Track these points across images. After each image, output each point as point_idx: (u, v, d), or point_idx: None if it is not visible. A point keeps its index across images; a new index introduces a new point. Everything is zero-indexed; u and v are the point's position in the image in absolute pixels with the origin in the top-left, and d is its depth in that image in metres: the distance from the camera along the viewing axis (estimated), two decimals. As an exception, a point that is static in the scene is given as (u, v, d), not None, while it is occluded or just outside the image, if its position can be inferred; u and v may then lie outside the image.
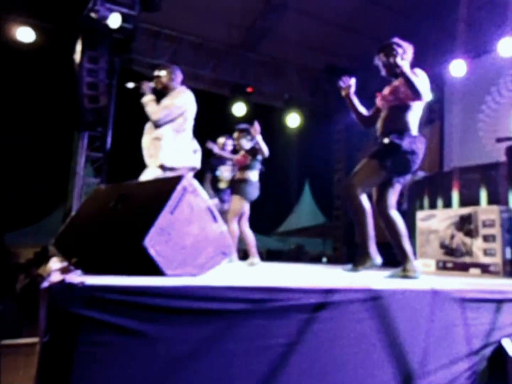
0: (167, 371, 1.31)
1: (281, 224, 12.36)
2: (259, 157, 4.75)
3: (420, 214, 4.96)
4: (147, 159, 3.65)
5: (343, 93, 3.13)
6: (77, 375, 1.20)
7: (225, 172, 5.26)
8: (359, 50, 8.44)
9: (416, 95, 2.69)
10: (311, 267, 4.77)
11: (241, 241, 4.83)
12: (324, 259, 9.43)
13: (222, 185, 5.20)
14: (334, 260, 8.94)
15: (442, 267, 4.54)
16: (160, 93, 3.68)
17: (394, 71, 2.81)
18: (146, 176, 3.55)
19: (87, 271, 1.96)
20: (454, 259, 4.43)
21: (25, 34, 7.48)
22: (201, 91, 8.82)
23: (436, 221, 4.67)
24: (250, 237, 4.73)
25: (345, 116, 8.94)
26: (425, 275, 3.42)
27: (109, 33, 7.10)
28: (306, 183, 13.09)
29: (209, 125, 7.94)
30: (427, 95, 2.76)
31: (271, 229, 11.62)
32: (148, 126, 3.68)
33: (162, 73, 3.64)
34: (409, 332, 1.81)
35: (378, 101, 3.03)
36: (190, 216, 2.34)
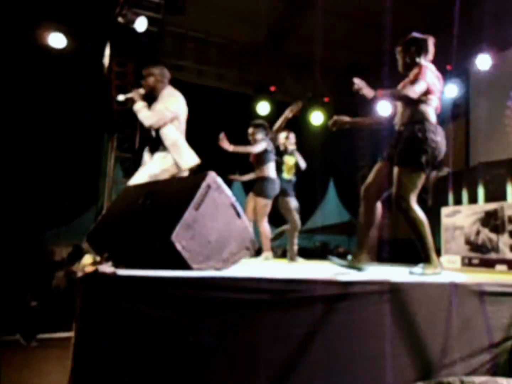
0: (190, 357, 1.40)
1: (306, 221, 12.37)
2: (270, 148, 4.79)
3: (445, 210, 4.93)
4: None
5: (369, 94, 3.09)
6: (106, 360, 1.31)
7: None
8: (384, 46, 8.38)
9: (407, 100, 2.73)
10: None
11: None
12: (350, 257, 9.37)
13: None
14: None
15: (468, 263, 4.51)
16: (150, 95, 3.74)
17: (409, 67, 2.85)
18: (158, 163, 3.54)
19: (118, 265, 2.08)
20: (480, 255, 4.39)
21: (57, 40, 7.74)
22: (226, 91, 8.96)
23: (462, 217, 4.64)
24: (267, 232, 4.77)
25: (369, 113, 8.90)
26: (449, 271, 3.43)
27: (136, 37, 7.29)
28: (331, 181, 13.06)
29: (233, 124, 8.05)
30: (419, 93, 2.75)
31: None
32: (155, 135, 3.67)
33: (149, 75, 3.69)
34: (428, 324, 1.86)
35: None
36: (215, 212, 2.43)
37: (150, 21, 7.00)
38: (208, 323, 1.46)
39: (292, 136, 5.41)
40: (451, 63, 6.89)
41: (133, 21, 6.82)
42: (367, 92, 2.76)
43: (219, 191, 2.51)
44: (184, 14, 7.15)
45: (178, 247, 2.22)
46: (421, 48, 2.95)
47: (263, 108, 8.55)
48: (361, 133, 9.82)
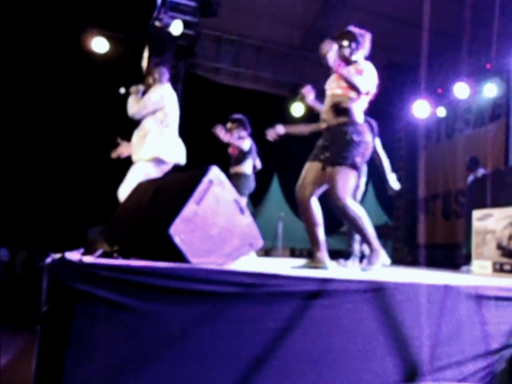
0: (157, 346, 1.44)
1: (342, 224, 12.15)
2: (248, 148, 4.80)
3: (476, 213, 4.71)
4: (134, 156, 3.81)
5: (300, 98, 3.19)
6: (72, 345, 1.36)
7: None
8: (421, 44, 8.14)
9: (356, 91, 2.68)
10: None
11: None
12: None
13: None
14: (393, 261, 8.65)
15: (499, 269, 4.28)
16: None
17: (346, 62, 2.83)
18: (134, 172, 3.69)
19: (126, 257, 2.16)
20: None
21: (100, 45, 8.08)
22: (261, 93, 9.00)
23: (493, 220, 4.41)
24: None
25: (406, 114, 8.67)
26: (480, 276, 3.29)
27: (173, 40, 7.50)
28: (369, 183, 12.76)
29: (268, 126, 8.09)
30: (367, 88, 2.79)
31: (333, 229, 11.48)
32: (139, 127, 3.88)
33: (150, 75, 4.00)
34: (415, 326, 1.80)
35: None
36: (217, 207, 2.46)
37: (186, 24, 7.18)
38: (175, 313, 1.49)
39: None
40: (491, 62, 6.59)
41: (169, 25, 7.02)
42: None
43: (222, 186, 2.53)
44: (219, 16, 7.26)
45: (177, 240, 2.26)
46: (359, 44, 2.90)
47: (298, 109, 8.53)
48: (397, 134, 9.57)
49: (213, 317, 1.51)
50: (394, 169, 9.53)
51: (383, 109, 9.14)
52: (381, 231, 10.30)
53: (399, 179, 9.46)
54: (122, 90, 3.91)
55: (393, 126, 9.47)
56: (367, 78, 2.78)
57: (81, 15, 7.83)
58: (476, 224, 4.63)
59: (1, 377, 2.69)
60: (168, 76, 4.06)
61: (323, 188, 2.88)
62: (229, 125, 5.10)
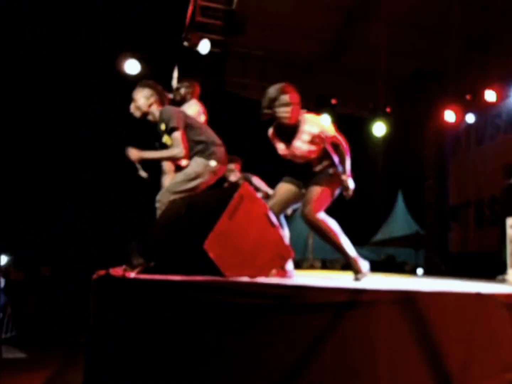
0: (194, 357, 1.52)
1: (374, 234, 12.09)
2: None
3: (510, 221, 4.64)
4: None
5: None
6: (117, 355, 1.47)
7: None
8: (448, 52, 8.09)
9: None
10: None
11: None
12: (420, 271, 8.97)
13: None
14: (426, 270, 8.53)
15: (535, 277, 4.20)
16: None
17: None
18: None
19: (163, 272, 2.26)
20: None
21: (132, 67, 8.37)
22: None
23: (527, 228, 4.34)
24: None
25: (434, 121, 8.58)
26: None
27: (201, 58, 7.72)
28: (399, 192, 12.66)
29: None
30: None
31: (364, 240, 11.42)
32: None
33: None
34: (448, 336, 1.83)
35: None
36: (248, 221, 2.56)
37: (213, 43, 7.39)
38: (214, 325, 1.57)
39: None
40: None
41: (197, 44, 7.24)
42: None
43: (252, 201, 2.63)
44: (245, 34, 7.43)
45: (212, 255, 2.36)
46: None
47: (324, 121, 8.59)
48: (426, 142, 9.46)
49: (250, 329, 1.59)
50: (423, 177, 9.47)
51: (411, 118, 9.09)
52: (412, 240, 10.20)
53: (429, 187, 9.39)
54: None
55: (422, 134, 9.38)
56: None
57: (115, 39, 8.17)
58: (510, 232, 4.56)
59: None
60: (199, 91, 4.22)
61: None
62: None
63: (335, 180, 3.32)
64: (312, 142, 3.31)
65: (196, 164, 3.20)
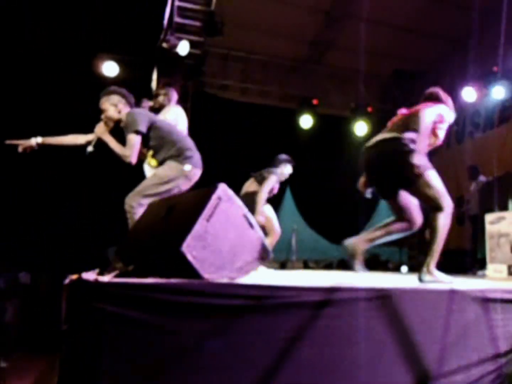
0: (170, 359, 1.50)
1: (358, 233, 12.09)
2: None
3: (489, 217, 4.70)
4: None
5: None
6: (90, 360, 1.44)
7: None
8: (427, 52, 8.20)
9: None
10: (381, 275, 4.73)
11: None
12: (405, 268, 9.04)
13: None
14: (410, 269, 8.61)
15: (515, 272, 4.25)
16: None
17: None
18: None
19: (141, 276, 2.23)
20: (527, 263, 4.13)
21: (110, 69, 8.30)
22: (269, 107, 9.12)
23: (506, 223, 4.40)
24: None
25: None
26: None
27: (181, 60, 7.68)
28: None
29: (278, 139, 8.17)
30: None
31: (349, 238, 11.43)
32: None
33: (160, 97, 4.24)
34: (423, 331, 1.83)
35: None
36: (226, 223, 2.53)
37: (193, 44, 7.36)
38: (190, 327, 1.55)
39: None
40: (498, 65, 6.61)
41: (176, 46, 7.20)
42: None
43: (230, 202, 2.60)
44: (224, 35, 7.42)
45: (189, 257, 2.33)
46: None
47: (306, 121, 8.62)
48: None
49: (224, 330, 1.57)
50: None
51: (391, 117, 9.18)
52: (396, 239, 10.23)
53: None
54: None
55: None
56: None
57: (92, 40, 8.07)
58: (489, 228, 4.62)
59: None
60: (176, 97, 4.22)
61: None
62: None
63: None
64: None
65: (169, 168, 3.16)
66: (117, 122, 3.30)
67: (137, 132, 3.13)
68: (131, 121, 3.16)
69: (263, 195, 4.93)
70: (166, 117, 4.03)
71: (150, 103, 4.16)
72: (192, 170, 3.20)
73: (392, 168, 2.66)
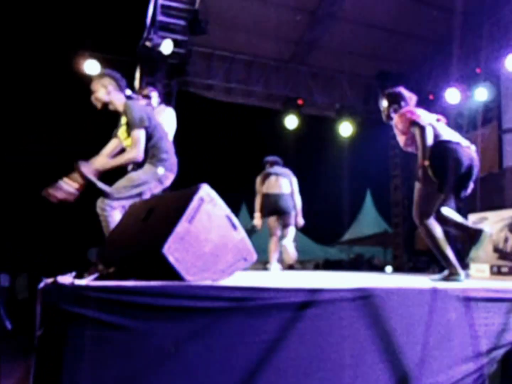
0: (150, 363, 1.46)
1: (343, 234, 12.21)
2: None
3: (471, 217, 4.73)
4: None
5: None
6: (66, 367, 1.39)
7: None
8: (411, 53, 8.26)
9: None
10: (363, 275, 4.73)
11: None
12: (389, 268, 9.10)
13: None
14: (394, 268, 8.67)
15: (497, 272, 4.29)
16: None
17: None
18: None
19: (122, 278, 2.17)
20: (509, 263, 4.16)
21: (91, 67, 8.16)
22: (254, 107, 9.10)
23: (489, 224, 4.43)
24: None
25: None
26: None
27: (164, 59, 7.58)
28: (368, 191, 12.85)
29: (263, 138, 8.16)
30: None
31: (334, 239, 11.53)
32: None
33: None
34: (405, 331, 1.82)
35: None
36: (209, 224, 2.48)
37: (176, 43, 7.27)
38: (166, 330, 1.51)
39: None
40: (480, 67, 6.69)
41: (159, 44, 7.11)
42: None
43: (213, 203, 2.55)
44: (209, 34, 7.36)
45: (171, 259, 2.28)
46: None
47: (291, 121, 8.61)
48: (392, 141, 9.65)
49: (205, 333, 1.53)
50: (390, 176, 9.64)
51: (376, 118, 9.23)
52: (381, 238, 10.35)
53: (395, 187, 9.55)
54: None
55: (387, 134, 9.55)
56: None
57: (72, 38, 7.96)
58: (472, 228, 4.65)
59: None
60: (159, 100, 4.16)
61: None
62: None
63: None
64: None
65: (142, 170, 3.09)
66: (105, 105, 3.23)
67: (146, 128, 3.09)
68: (139, 116, 3.11)
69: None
70: (163, 117, 3.96)
71: (143, 102, 4.08)
72: (165, 173, 3.14)
73: None
